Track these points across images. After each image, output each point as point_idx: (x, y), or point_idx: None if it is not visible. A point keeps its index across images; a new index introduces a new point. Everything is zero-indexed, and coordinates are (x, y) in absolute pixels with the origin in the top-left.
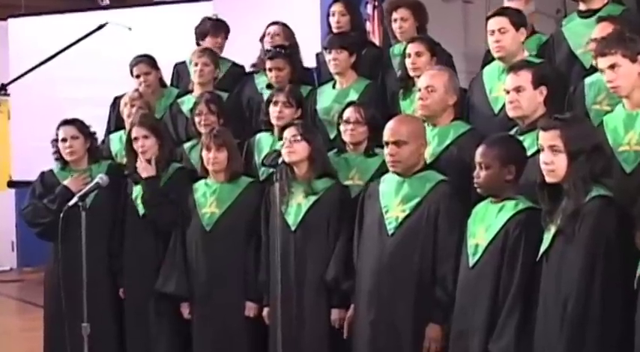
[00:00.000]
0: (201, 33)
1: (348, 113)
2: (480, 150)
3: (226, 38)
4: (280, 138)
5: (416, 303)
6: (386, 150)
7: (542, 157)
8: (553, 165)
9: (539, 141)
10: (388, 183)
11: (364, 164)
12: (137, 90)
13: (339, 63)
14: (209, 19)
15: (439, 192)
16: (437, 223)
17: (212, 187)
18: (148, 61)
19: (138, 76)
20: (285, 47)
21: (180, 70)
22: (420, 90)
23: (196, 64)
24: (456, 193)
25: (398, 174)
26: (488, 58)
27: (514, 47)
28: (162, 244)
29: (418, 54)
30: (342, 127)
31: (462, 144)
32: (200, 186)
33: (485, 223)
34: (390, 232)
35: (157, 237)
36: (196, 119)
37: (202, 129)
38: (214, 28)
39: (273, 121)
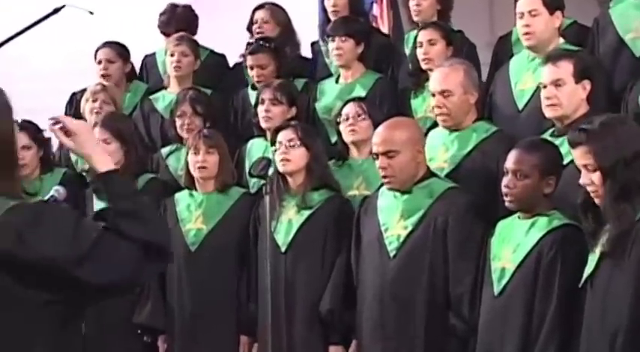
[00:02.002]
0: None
1: (347, 109)
2: (514, 155)
3: (193, 33)
4: (274, 143)
5: (427, 334)
6: (377, 164)
7: (581, 177)
8: (594, 185)
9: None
10: (387, 197)
11: (371, 170)
12: (100, 83)
13: (343, 53)
14: (174, 5)
15: (447, 200)
16: (446, 238)
17: (198, 199)
18: (115, 47)
19: (100, 63)
20: (269, 39)
21: (150, 63)
22: (433, 95)
23: (172, 54)
24: (471, 202)
25: (394, 189)
26: (502, 48)
27: (547, 34)
28: None
29: (431, 42)
30: (341, 127)
31: (487, 148)
32: (183, 198)
33: (513, 243)
34: (391, 254)
35: None
36: (178, 121)
37: (185, 134)
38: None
39: (262, 123)
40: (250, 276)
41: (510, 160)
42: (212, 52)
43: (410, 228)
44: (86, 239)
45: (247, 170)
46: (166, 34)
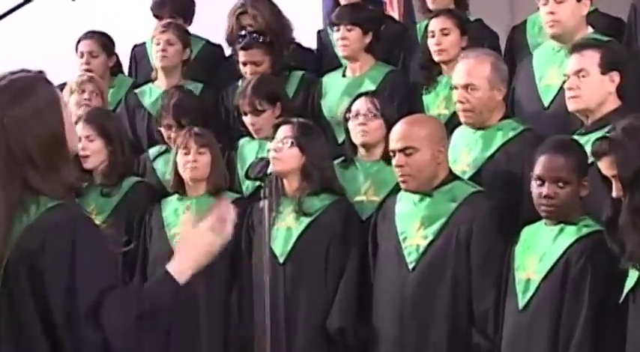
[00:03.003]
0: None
1: (358, 105)
2: (548, 161)
3: (188, 21)
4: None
5: None
6: (393, 162)
7: (613, 190)
8: None
9: None
10: (405, 202)
11: (381, 174)
12: (86, 73)
13: (349, 43)
14: None
15: (471, 207)
16: (470, 248)
17: (187, 202)
18: (99, 38)
19: (82, 56)
20: (263, 33)
21: (139, 53)
22: (455, 88)
23: (158, 43)
24: (496, 208)
25: (413, 191)
26: (516, 39)
27: (573, 22)
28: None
29: (444, 32)
30: (350, 124)
31: (512, 150)
32: (171, 202)
33: (539, 252)
34: (410, 265)
35: None
36: (163, 131)
37: (172, 143)
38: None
39: (252, 133)
40: (243, 290)
41: (545, 166)
42: (208, 42)
43: (430, 238)
44: (89, 293)
45: (241, 172)
46: (160, 18)
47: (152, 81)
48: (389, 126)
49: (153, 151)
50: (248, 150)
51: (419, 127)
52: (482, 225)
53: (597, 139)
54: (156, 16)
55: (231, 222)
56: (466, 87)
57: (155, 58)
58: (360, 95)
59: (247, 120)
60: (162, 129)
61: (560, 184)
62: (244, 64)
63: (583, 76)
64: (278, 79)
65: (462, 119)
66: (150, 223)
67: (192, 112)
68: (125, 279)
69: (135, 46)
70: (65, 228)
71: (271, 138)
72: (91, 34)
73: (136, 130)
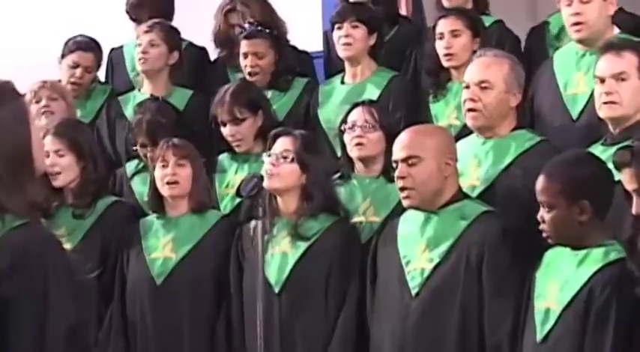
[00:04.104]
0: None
1: (354, 115)
2: (539, 183)
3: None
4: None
5: None
6: (395, 174)
7: (634, 206)
8: None
9: None
10: (409, 222)
11: (381, 191)
12: (39, 81)
13: (352, 42)
14: None
15: (483, 227)
16: (481, 273)
17: (167, 222)
18: (95, 49)
19: (75, 67)
20: (269, 26)
21: (116, 58)
22: (467, 87)
23: (139, 44)
24: (511, 229)
25: (417, 209)
26: (535, 43)
27: (600, 23)
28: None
29: (454, 33)
30: (346, 137)
31: (529, 162)
32: (149, 222)
33: (561, 279)
34: (413, 291)
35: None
36: (139, 150)
37: (149, 162)
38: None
39: (234, 147)
40: (232, 323)
41: (537, 188)
42: (191, 44)
43: (436, 261)
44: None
45: (219, 190)
46: (138, 22)
47: (138, 88)
48: (389, 139)
49: (130, 167)
50: (227, 166)
51: (425, 136)
52: (496, 247)
53: (619, 149)
54: (133, 19)
55: None
56: (480, 83)
57: (136, 61)
58: (356, 104)
59: (226, 131)
60: (137, 147)
61: (545, 206)
62: (245, 55)
63: (623, 80)
64: (257, 87)
65: (468, 121)
66: (127, 247)
67: (168, 128)
68: (101, 309)
69: (112, 49)
70: (35, 253)
71: (254, 152)
72: (89, 45)
73: (115, 143)
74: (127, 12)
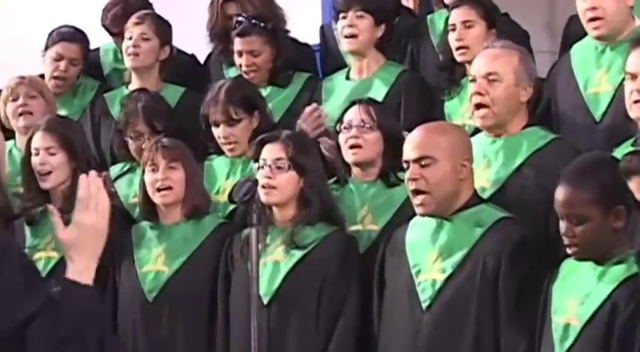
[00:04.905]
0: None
1: (350, 114)
2: (562, 194)
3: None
4: (257, 160)
5: None
6: (406, 175)
7: None
8: None
9: None
10: (419, 229)
11: (380, 197)
12: (16, 77)
13: (358, 33)
14: None
15: (500, 235)
16: (497, 285)
17: (159, 231)
18: (84, 42)
19: (59, 59)
20: (264, 19)
21: (91, 61)
22: (473, 80)
23: (130, 37)
24: (531, 238)
25: (428, 215)
26: (574, 32)
27: (620, 16)
28: None
29: (467, 24)
30: (341, 138)
31: (543, 162)
32: (142, 229)
33: (580, 292)
34: (424, 304)
35: None
36: (131, 144)
37: (136, 155)
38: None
39: (226, 151)
40: (218, 338)
41: (560, 201)
42: (179, 50)
43: (449, 271)
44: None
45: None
46: (117, 36)
47: (126, 85)
48: (388, 140)
49: (114, 170)
50: (218, 170)
51: (439, 135)
52: (514, 257)
53: (627, 154)
54: (112, 33)
55: (102, 191)
56: (487, 76)
57: (125, 55)
58: (353, 102)
59: (219, 132)
60: (128, 140)
61: (575, 221)
62: (240, 54)
63: None
64: (254, 85)
65: (476, 121)
66: (119, 258)
67: (165, 116)
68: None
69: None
70: None
71: (247, 156)
72: (74, 35)
73: (99, 143)
74: (106, 27)
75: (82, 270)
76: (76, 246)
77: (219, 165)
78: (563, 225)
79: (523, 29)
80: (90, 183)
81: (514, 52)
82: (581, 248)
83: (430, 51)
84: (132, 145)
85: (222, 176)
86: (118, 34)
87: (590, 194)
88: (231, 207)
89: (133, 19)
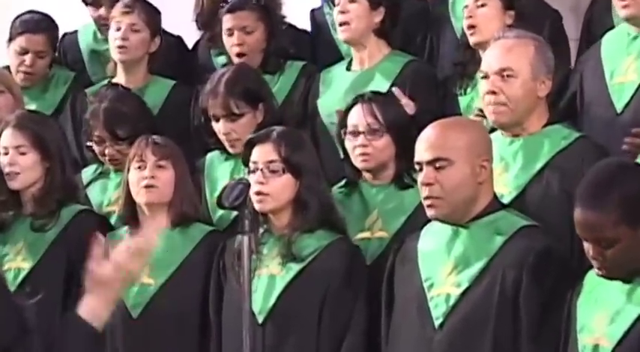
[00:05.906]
0: None
1: (355, 117)
2: (581, 216)
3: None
4: (246, 163)
5: None
6: (419, 179)
7: None
8: None
9: None
10: (433, 238)
11: (391, 201)
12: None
13: (351, 19)
14: None
15: (521, 246)
16: (518, 302)
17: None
18: (51, 33)
19: (23, 52)
20: None
21: (69, 44)
22: (486, 76)
23: (118, 28)
24: (556, 250)
25: (442, 221)
26: (598, 15)
27: None
28: None
29: (478, 3)
30: (347, 143)
31: (567, 164)
32: (120, 238)
33: (609, 309)
34: (437, 321)
35: None
36: (95, 147)
37: (107, 162)
38: None
39: (227, 147)
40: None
41: (579, 223)
42: (164, 31)
43: (465, 285)
44: None
45: (209, 197)
46: (95, 5)
47: (110, 78)
48: (399, 143)
49: (86, 173)
50: (220, 169)
51: (456, 132)
52: (538, 271)
53: None
54: (87, 2)
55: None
56: (501, 72)
57: (112, 48)
58: (355, 102)
59: (220, 127)
60: (92, 143)
61: (603, 244)
62: (230, 32)
63: None
64: (258, 73)
65: (491, 118)
66: None
67: (132, 121)
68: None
69: (65, 34)
70: None
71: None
72: (38, 24)
73: (81, 143)
74: None
75: (98, 314)
76: (100, 285)
77: (220, 163)
78: (588, 247)
79: (554, 9)
80: (152, 242)
81: (529, 42)
82: (613, 269)
83: (451, 39)
84: (96, 148)
85: (223, 175)
86: (93, 4)
87: (615, 215)
88: (235, 213)
89: (120, 6)
